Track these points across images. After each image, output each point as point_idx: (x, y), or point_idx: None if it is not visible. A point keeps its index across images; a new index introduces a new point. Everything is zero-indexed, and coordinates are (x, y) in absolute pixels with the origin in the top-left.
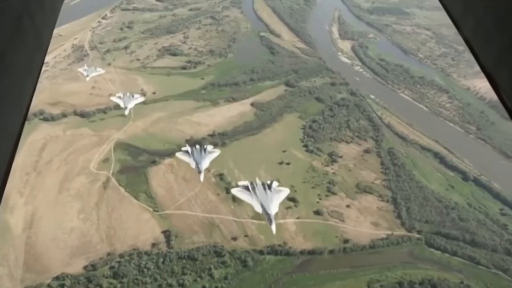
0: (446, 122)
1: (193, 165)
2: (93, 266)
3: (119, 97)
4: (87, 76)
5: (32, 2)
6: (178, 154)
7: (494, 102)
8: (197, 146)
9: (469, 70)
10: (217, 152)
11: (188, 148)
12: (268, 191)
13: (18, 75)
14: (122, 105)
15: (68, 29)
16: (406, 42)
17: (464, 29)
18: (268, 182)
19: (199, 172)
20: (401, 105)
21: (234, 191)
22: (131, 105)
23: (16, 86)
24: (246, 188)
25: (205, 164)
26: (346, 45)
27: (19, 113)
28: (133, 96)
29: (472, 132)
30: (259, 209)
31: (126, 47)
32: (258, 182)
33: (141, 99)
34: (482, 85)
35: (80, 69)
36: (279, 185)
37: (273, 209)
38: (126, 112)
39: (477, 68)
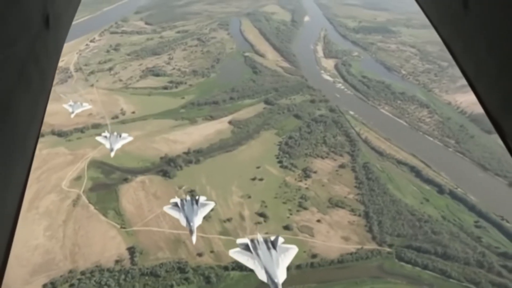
0: (425, 136)
1: (183, 222)
2: (53, 284)
3: (105, 137)
4: (73, 112)
5: (37, 45)
6: (166, 209)
7: (474, 116)
8: (188, 198)
9: (451, 85)
10: (211, 204)
11: (177, 200)
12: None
13: (23, 123)
14: (108, 146)
15: None
16: (390, 59)
17: (466, 70)
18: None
19: (191, 232)
20: (381, 120)
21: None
22: (117, 145)
23: (21, 134)
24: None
25: (197, 221)
26: (329, 63)
27: (24, 163)
28: (120, 136)
29: (451, 145)
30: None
31: (110, 69)
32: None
33: (129, 138)
34: (463, 99)
35: (65, 105)
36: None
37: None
38: (112, 155)
39: (459, 83)
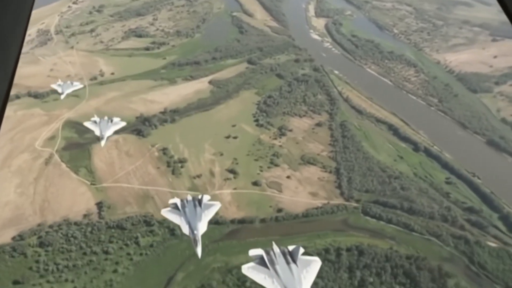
0: (409, 96)
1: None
2: (21, 236)
3: (94, 122)
4: (62, 93)
5: None
6: (164, 212)
7: (462, 75)
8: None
9: (443, 44)
10: (216, 205)
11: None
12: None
13: None
14: (97, 133)
15: (36, 15)
16: (383, 18)
17: None
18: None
19: (195, 242)
20: (365, 79)
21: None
22: (109, 132)
23: None
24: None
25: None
26: (319, 23)
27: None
28: (111, 121)
29: (433, 104)
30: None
31: (92, 30)
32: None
33: (122, 124)
34: (454, 58)
35: (54, 85)
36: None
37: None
38: (103, 144)
39: (451, 42)
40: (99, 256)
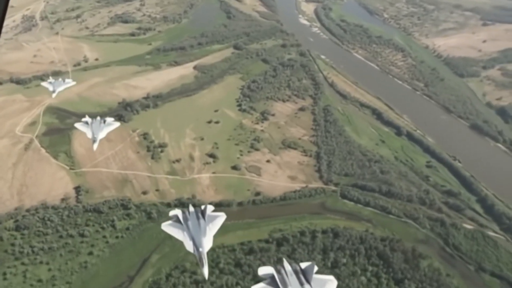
0: (395, 80)
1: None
2: None
3: (50, 83)
4: (54, 91)
5: None
6: (164, 226)
7: (450, 59)
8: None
9: (433, 28)
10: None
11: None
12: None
13: None
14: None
15: (22, 1)
16: (373, 3)
17: None
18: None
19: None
20: (352, 64)
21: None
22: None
23: None
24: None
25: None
26: (309, 8)
27: None
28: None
29: (419, 88)
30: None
31: (77, 16)
32: None
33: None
34: (443, 43)
35: (45, 83)
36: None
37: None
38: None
39: (442, 26)
40: (75, 239)
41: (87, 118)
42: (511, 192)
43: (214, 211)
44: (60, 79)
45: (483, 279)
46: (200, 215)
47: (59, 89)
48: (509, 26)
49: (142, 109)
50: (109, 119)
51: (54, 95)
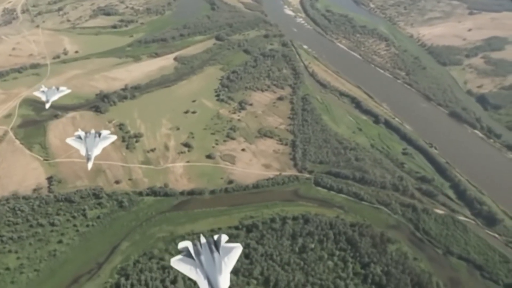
0: (377, 69)
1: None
2: None
3: (43, 92)
4: (47, 101)
5: None
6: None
7: (434, 48)
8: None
9: (418, 18)
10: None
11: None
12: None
13: None
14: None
15: None
16: None
17: None
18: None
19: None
20: (335, 53)
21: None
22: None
23: None
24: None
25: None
26: None
27: None
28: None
29: (400, 77)
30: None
31: (59, 9)
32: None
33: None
34: (428, 32)
35: (37, 93)
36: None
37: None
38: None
39: (427, 15)
40: (45, 228)
41: (80, 132)
42: (485, 178)
43: (228, 241)
44: (53, 87)
45: (450, 262)
46: (213, 247)
47: (53, 98)
48: (496, 14)
49: (120, 100)
50: (104, 132)
51: (47, 105)
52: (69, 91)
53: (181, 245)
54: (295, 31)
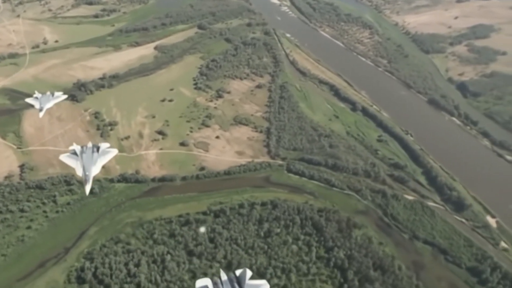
0: (359, 57)
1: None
2: None
3: (36, 98)
4: (41, 109)
5: None
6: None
7: (418, 36)
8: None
9: (405, 6)
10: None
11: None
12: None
13: None
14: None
15: None
16: None
17: None
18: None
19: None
20: (318, 42)
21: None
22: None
23: None
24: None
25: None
26: None
27: None
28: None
29: (381, 65)
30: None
31: None
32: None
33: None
34: (413, 20)
35: (29, 100)
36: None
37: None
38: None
39: (414, 3)
40: (14, 214)
41: (75, 146)
42: (458, 164)
43: (252, 277)
44: (48, 93)
45: (416, 246)
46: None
47: (48, 106)
48: (483, 2)
49: (97, 89)
50: (103, 145)
51: (41, 114)
52: (65, 96)
53: (200, 283)
54: (279, 19)
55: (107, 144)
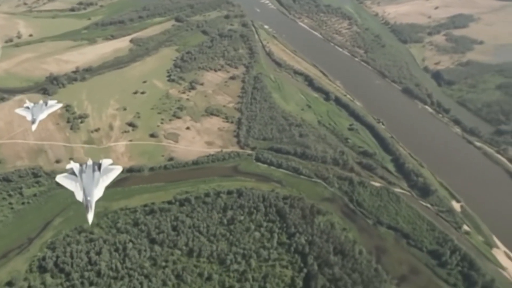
0: (336, 47)
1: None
2: None
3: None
4: (34, 121)
5: None
6: (17, 110)
7: (397, 26)
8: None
9: None
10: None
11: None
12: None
13: None
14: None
15: None
16: None
17: None
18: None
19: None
20: (295, 33)
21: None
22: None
23: None
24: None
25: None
26: None
27: None
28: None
29: (358, 55)
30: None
31: None
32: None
33: (58, 105)
34: (393, 10)
35: (20, 111)
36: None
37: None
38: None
39: None
40: None
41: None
42: (427, 151)
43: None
44: (41, 102)
45: (379, 231)
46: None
47: (41, 117)
48: None
49: (69, 83)
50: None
51: (34, 126)
52: (60, 105)
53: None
54: (258, 11)
55: (109, 161)
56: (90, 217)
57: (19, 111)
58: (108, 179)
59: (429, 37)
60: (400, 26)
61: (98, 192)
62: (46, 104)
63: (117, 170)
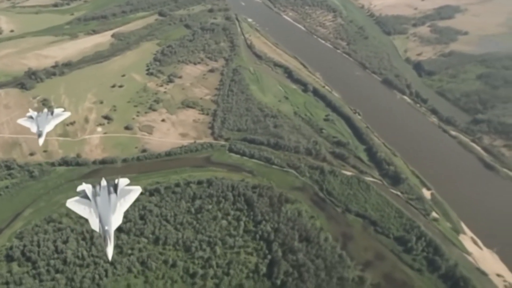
0: (318, 40)
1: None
2: None
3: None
4: (40, 135)
5: None
6: (20, 121)
7: (382, 18)
8: (45, 110)
9: None
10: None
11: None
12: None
13: None
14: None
15: None
16: None
17: None
18: None
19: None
20: (279, 26)
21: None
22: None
23: None
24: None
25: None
26: None
27: None
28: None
29: (340, 47)
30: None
31: None
32: None
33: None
34: (379, 2)
35: (22, 121)
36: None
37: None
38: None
39: None
40: None
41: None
42: (402, 140)
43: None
44: (45, 111)
45: (347, 219)
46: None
47: (48, 129)
48: None
49: (48, 77)
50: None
51: (41, 140)
52: (68, 113)
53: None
54: (243, 4)
55: (126, 180)
56: (110, 251)
57: (22, 121)
58: (126, 203)
59: (414, 28)
60: (385, 18)
61: (116, 220)
62: (52, 113)
63: (136, 192)
